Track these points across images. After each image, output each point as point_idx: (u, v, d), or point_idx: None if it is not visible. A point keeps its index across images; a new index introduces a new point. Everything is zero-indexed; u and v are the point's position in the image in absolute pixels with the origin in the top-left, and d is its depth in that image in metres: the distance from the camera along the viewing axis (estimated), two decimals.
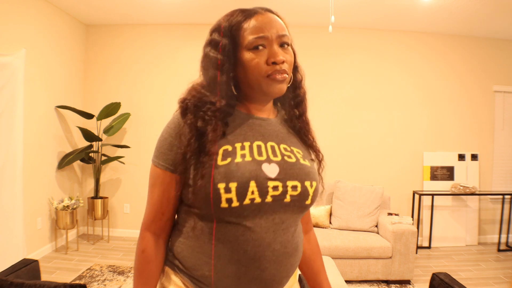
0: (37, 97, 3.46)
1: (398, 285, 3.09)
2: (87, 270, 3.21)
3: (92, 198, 4.00)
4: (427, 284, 3.07)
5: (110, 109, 4.01)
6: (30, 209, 3.36)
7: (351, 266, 3.10)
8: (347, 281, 3.13)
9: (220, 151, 0.85)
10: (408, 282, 3.13)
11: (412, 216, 4.14)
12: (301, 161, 0.92)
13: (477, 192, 4.06)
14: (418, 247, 4.12)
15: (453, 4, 3.39)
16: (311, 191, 0.91)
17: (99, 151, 3.99)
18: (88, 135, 3.81)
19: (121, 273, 3.17)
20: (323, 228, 3.48)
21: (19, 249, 3.06)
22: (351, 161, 4.26)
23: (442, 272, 1.51)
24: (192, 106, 0.89)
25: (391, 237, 3.10)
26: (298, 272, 1.08)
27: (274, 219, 0.86)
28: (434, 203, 4.18)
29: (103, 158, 4.12)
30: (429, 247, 4.15)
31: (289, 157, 0.91)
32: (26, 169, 3.25)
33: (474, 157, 4.30)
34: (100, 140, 3.93)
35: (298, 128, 1.02)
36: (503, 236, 4.35)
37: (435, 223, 4.21)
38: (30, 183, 3.37)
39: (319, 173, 0.99)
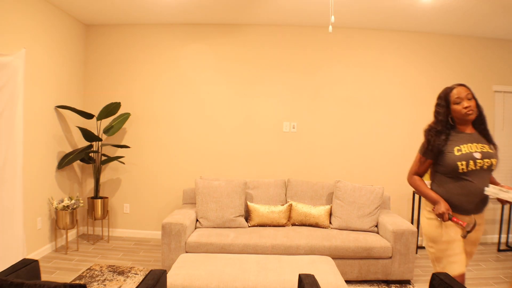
0: (37, 97, 3.46)
1: (398, 285, 3.09)
2: (87, 270, 3.21)
3: (92, 198, 4.00)
4: (427, 284, 3.07)
5: (110, 109, 4.01)
6: (30, 209, 3.36)
7: (351, 266, 3.10)
8: (347, 281, 3.13)
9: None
10: (408, 282, 3.13)
11: (412, 216, 4.14)
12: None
13: None
14: (418, 247, 4.12)
15: (452, 4, 3.39)
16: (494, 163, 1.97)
17: (99, 151, 3.99)
18: (88, 135, 3.81)
19: (121, 273, 3.17)
20: (323, 228, 3.48)
21: (19, 249, 3.06)
22: (351, 161, 4.26)
23: (442, 272, 1.51)
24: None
25: (391, 237, 3.10)
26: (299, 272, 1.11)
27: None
28: None
29: (103, 158, 4.13)
30: None
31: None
32: (26, 169, 3.26)
33: None
34: (100, 140, 3.93)
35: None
36: (503, 236, 4.35)
37: None
38: (30, 183, 3.37)
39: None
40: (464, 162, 1.92)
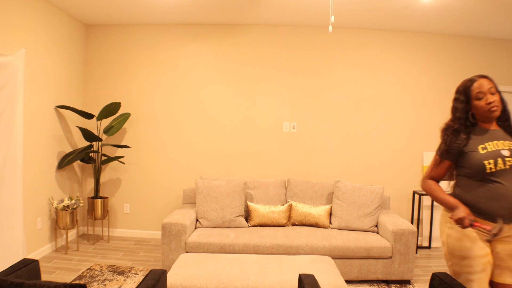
0: (37, 97, 3.46)
1: (398, 285, 3.09)
2: (87, 270, 3.21)
3: (92, 198, 4.00)
4: (427, 284, 3.07)
5: (110, 109, 4.01)
6: (30, 209, 3.36)
7: (351, 266, 3.10)
8: (347, 281, 3.13)
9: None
10: (408, 282, 3.13)
11: (412, 216, 4.14)
12: None
13: None
14: (418, 247, 4.12)
15: (452, 4, 3.39)
16: None
17: (99, 151, 3.99)
18: (88, 135, 3.81)
19: (121, 273, 3.18)
20: (323, 228, 3.48)
21: (19, 249, 3.06)
22: (351, 161, 4.26)
23: (442, 272, 1.51)
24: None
25: (391, 237, 3.10)
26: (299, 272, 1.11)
27: None
28: (434, 203, 4.18)
29: (103, 158, 4.13)
30: (429, 247, 4.16)
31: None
32: (26, 169, 3.26)
33: None
34: (100, 140, 3.93)
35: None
36: None
37: (435, 223, 4.21)
38: (30, 183, 3.37)
39: None
40: (491, 161, 1.67)
